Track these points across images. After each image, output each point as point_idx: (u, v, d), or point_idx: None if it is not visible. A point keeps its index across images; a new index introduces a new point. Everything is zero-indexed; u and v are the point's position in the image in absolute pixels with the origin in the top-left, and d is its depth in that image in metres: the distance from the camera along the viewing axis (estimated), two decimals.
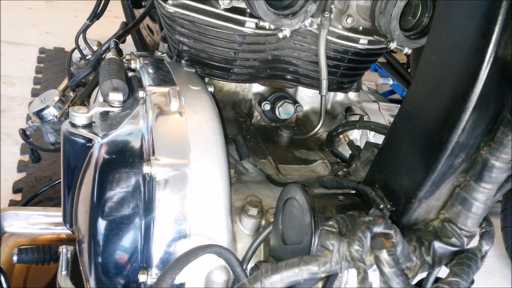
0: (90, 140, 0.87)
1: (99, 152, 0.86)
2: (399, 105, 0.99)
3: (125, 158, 0.85)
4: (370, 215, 0.63)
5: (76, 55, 1.75)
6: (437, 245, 0.63)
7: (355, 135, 1.24)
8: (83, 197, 0.88)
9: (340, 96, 1.36)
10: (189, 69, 1.06)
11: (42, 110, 1.37)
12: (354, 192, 0.79)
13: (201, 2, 0.97)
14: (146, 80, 0.99)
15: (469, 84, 0.55)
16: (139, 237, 0.80)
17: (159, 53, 1.14)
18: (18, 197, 2.04)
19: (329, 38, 1.04)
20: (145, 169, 0.79)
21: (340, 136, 1.17)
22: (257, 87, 1.27)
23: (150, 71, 1.02)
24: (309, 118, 1.34)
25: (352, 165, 0.98)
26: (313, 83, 1.16)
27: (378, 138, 1.16)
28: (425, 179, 0.62)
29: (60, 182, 1.00)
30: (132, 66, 1.07)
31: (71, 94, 1.47)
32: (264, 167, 1.09)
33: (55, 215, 1.48)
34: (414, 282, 0.68)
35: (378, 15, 0.99)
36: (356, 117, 1.24)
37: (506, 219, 2.13)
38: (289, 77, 1.16)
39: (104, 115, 0.92)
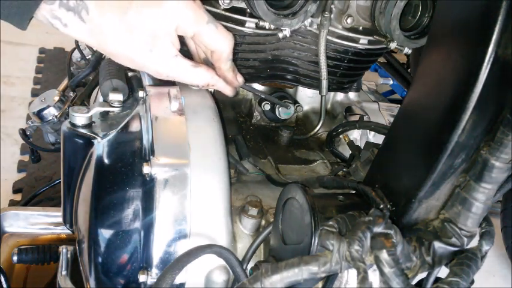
0: (90, 140, 0.87)
1: (99, 152, 0.86)
2: (399, 105, 1.00)
3: (124, 158, 0.85)
4: (370, 215, 0.63)
5: (76, 55, 1.76)
6: (437, 245, 0.63)
7: (355, 135, 1.24)
8: (83, 197, 0.88)
9: (340, 96, 1.36)
10: None
11: (42, 110, 1.37)
12: (354, 192, 0.79)
13: (201, 2, 0.97)
14: (146, 80, 0.99)
15: (469, 84, 0.55)
16: (139, 237, 0.80)
17: None
18: (18, 197, 2.04)
19: (329, 38, 1.04)
20: (145, 169, 0.79)
21: (340, 136, 1.17)
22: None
23: None
24: (309, 118, 1.34)
25: (352, 165, 0.98)
26: (313, 83, 1.15)
27: (378, 138, 1.16)
28: (425, 179, 0.62)
29: (60, 182, 1.00)
30: None
31: (71, 94, 1.47)
32: (264, 167, 1.09)
33: (55, 215, 1.48)
34: (414, 282, 0.68)
35: (378, 15, 0.99)
36: (356, 117, 1.24)
37: (506, 219, 2.13)
38: (289, 77, 1.16)
39: (104, 115, 0.92)
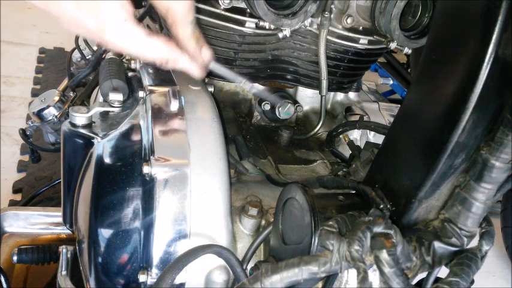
0: (90, 140, 0.87)
1: (99, 152, 0.86)
2: (399, 105, 1.00)
3: (124, 158, 0.85)
4: (370, 215, 0.63)
5: (76, 55, 1.76)
6: (437, 245, 0.63)
7: (355, 135, 1.24)
8: (83, 197, 0.88)
9: (340, 96, 1.37)
10: None
11: (42, 110, 1.37)
12: (354, 192, 0.79)
13: (201, 2, 0.97)
14: (146, 80, 0.99)
15: (469, 84, 0.55)
16: (139, 237, 0.80)
17: None
18: (18, 197, 2.04)
19: (329, 38, 1.04)
20: (145, 169, 0.79)
21: (340, 136, 1.17)
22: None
23: (150, 70, 1.02)
24: (309, 118, 1.34)
25: (352, 165, 0.98)
26: (313, 83, 1.16)
27: (378, 138, 1.16)
28: (425, 179, 0.62)
29: (60, 182, 1.00)
30: (132, 66, 1.07)
31: (71, 94, 1.47)
32: (264, 167, 1.09)
33: (55, 215, 1.48)
34: (414, 282, 0.68)
35: (378, 15, 0.99)
36: (356, 117, 1.24)
37: (506, 219, 2.14)
38: (289, 77, 1.16)
39: (104, 115, 0.92)
